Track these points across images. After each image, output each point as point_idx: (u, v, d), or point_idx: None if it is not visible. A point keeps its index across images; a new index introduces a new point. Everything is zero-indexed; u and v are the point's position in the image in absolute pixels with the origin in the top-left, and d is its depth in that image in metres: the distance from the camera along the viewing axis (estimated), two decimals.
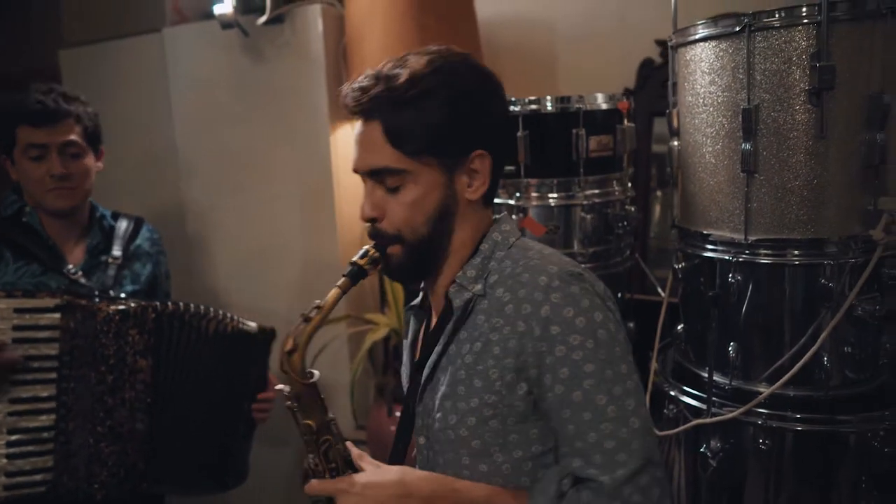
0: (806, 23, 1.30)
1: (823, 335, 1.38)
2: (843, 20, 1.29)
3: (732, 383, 1.49)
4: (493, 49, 2.46)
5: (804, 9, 1.31)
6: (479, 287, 0.96)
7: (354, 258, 0.97)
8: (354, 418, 2.52)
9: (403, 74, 0.92)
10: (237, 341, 1.70)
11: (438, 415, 0.97)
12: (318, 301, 0.95)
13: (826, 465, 1.42)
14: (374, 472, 0.95)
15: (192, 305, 1.64)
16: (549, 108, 1.77)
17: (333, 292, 0.95)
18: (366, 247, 0.98)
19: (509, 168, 1.77)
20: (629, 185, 1.88)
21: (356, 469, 0.97)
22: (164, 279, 1.90)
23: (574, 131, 1.73)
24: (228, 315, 1.70)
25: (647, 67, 2.36)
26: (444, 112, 0.92)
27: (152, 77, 2.67)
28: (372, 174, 0.96)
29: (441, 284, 1.02)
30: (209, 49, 2.53)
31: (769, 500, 1.45)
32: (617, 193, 1.83)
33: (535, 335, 0.89)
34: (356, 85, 0.95)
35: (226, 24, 2.27)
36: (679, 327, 1.69)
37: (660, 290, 1.91)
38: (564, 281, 0.89)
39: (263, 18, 2.27)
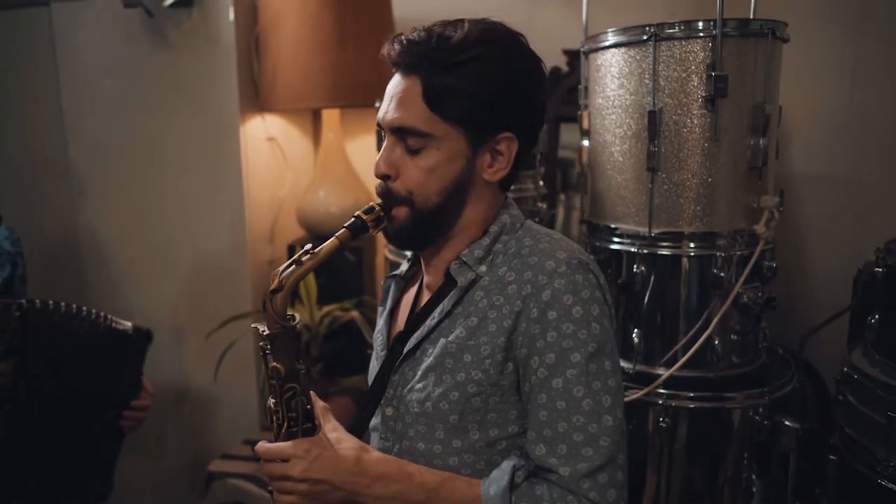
0: (702, 36, 1.45)
1: (715, 321, 1.52)
2: (733, 36, 1.45)
3: (636, 367, 1.60)
4: None
5: (700, 23, 1.45)
6: (483, 268, 0.94)
7: (359, 212, 0.93)
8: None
9: (457, 36, 0.89)
10: (110, 342, 1.57)
11: (419, 385, 0.94)
12: (309, 245, 0.90)
13: (716, 437, 1.57)
14: (332, 440, 0.90)
15: (62, 304, 1.51)
16: None
17: (330, 242, 0.90)
18: (372, 203, 0.94)
19: None
20: (541, 183, 1.97)
21: (315, 423, 0.93)
22: (20, 284, 1.72)
23: None
24: (101, 314, 1.57)
25: (554, 75, 2.48)
26: (487, 84, 0.89)
27: (37, 57, 2.46)
28: (396, 131, 0.92)
29: (442, 258, 0.98)
30: (106, 29, 2.37)
31: (669, 475, 1.58)
32: (531, 190, 1.91)
33: (532, 317, 0.87)
34: (405, 37, 0.91)
35: (129, 2, 2.14)
36: None
37: None
38: (571, 268, 0.88)
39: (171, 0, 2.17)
